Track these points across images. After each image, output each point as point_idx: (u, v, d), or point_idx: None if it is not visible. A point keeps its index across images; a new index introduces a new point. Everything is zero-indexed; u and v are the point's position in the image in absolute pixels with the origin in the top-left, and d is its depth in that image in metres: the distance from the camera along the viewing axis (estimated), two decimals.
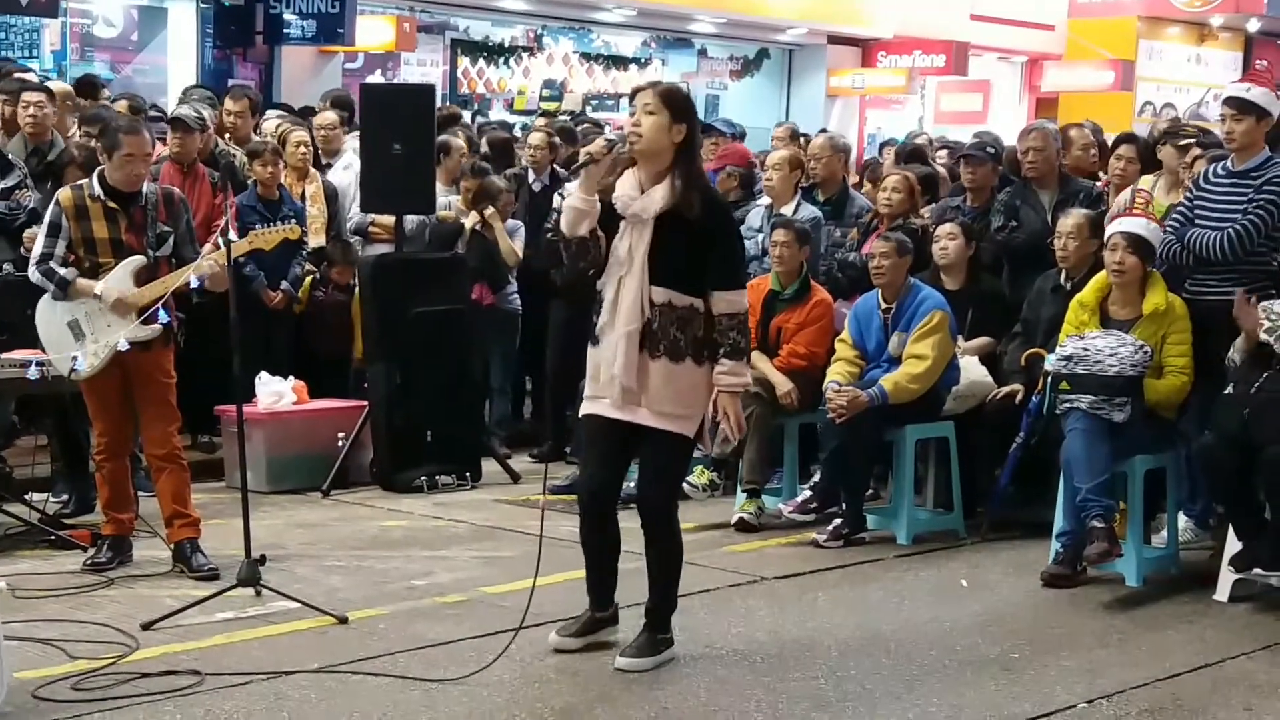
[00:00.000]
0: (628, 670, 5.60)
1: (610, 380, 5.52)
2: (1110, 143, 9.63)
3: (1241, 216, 7.24)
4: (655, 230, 5.47)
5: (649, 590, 5.79)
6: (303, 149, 10.27)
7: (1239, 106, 7.30)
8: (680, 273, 5.49)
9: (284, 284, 9.55)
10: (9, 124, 9.17)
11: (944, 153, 11.28)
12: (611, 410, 5.57)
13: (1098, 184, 9.21)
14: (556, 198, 8.23)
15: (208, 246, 6.85)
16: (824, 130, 12.71)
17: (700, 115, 20.30)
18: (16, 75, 10.35)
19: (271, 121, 11.24)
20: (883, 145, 15.28)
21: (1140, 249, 7.23)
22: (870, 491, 8.32)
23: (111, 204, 6.79)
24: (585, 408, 5.69)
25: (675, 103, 5.48)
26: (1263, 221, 7.21)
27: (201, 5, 16.96)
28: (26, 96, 9.16)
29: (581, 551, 5.87)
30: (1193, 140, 8.66)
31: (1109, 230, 7.43)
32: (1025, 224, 8.61)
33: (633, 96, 5.67)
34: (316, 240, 10.02)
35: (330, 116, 10.92)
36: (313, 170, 10.38)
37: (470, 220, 9.80)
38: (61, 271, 6.77)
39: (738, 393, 5.58)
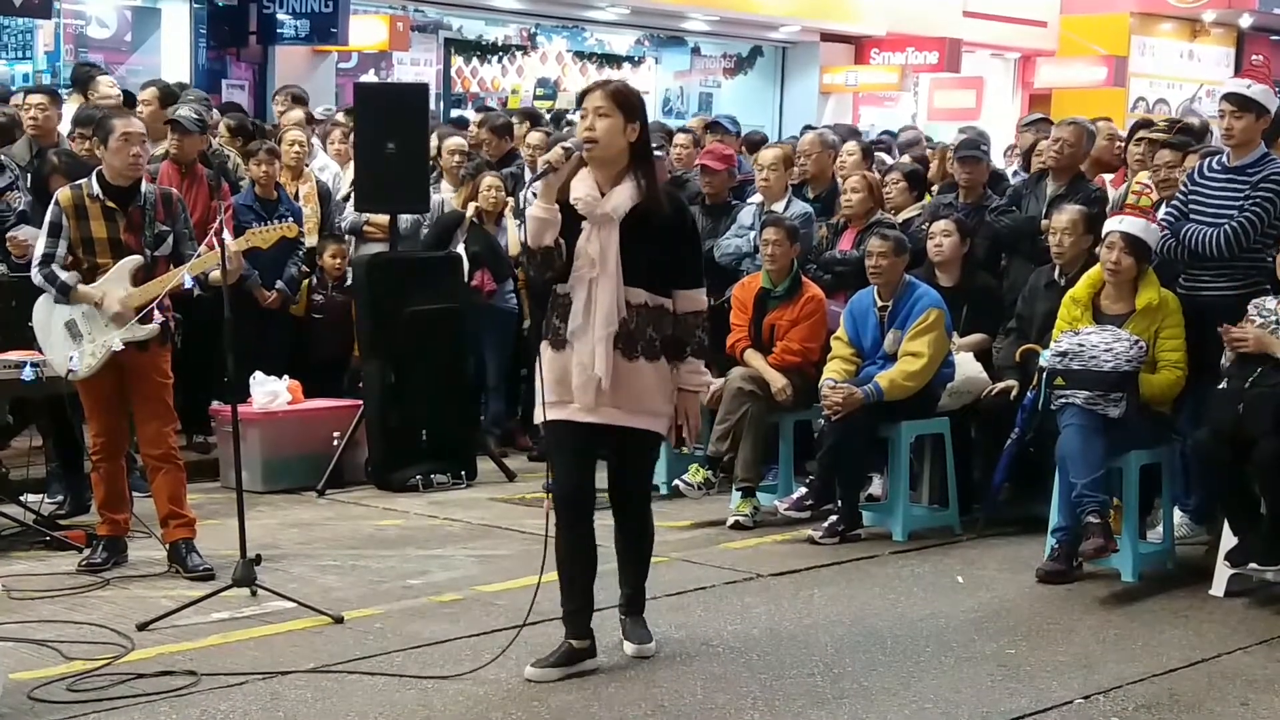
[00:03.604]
0: (645, 656, 5.73)
1: (586, 383, 5.39)
2: (1128, 130, 9.78)
3: (1238, 213, 7.24)
4: (621, 230, 5.39)
5: (627, 579, 5.83)
6: (297, 148, 10.26)
7: (1239, 103, 7.30)
8: (652, 272, 5.46)
9: (279, 283, 9.56)
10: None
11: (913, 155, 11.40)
12: (580, 415, 5.45)
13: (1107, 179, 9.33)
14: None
15: (203, 246, 6.84)
16: (810, 127, 12.71)
17: (695, 113, 20.33)
18: (100, 79, 10.42)
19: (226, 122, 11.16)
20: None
21: (1137, 249, 7.23)
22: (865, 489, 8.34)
23: (110, 203, 6.79)
24: (550, 413, 5.50)
25: (627, 103, 5.41)
26: (1259, 219, 7.21)
27: (195, 5, 16.93)
28: (30, 100, 9.19)
29: (558, 569, 5.65)
30: (1167, 138, 8.72)
31: (1106, 228, 7.43)
32: (1023, 212, 8.68)
33: (581, 99, 5.57)
34: (311, 240, 10.02)
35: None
36: (307, 169, 10.37)
37: (470, 210, 9.87)
38: (64, 276, 6.77)
39: (698, 392, 5.67)
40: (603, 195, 5.42)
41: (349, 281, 9.91)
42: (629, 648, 5.78)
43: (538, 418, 5.60)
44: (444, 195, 10.32)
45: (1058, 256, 7.89)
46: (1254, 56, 25.13)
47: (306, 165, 10.42)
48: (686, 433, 5.64)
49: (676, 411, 5.60)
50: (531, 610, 5.69)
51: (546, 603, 5.77)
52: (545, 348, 5.54)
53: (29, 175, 8.69)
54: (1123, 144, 9.99)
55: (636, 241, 5.39)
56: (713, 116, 13.22)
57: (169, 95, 10.23)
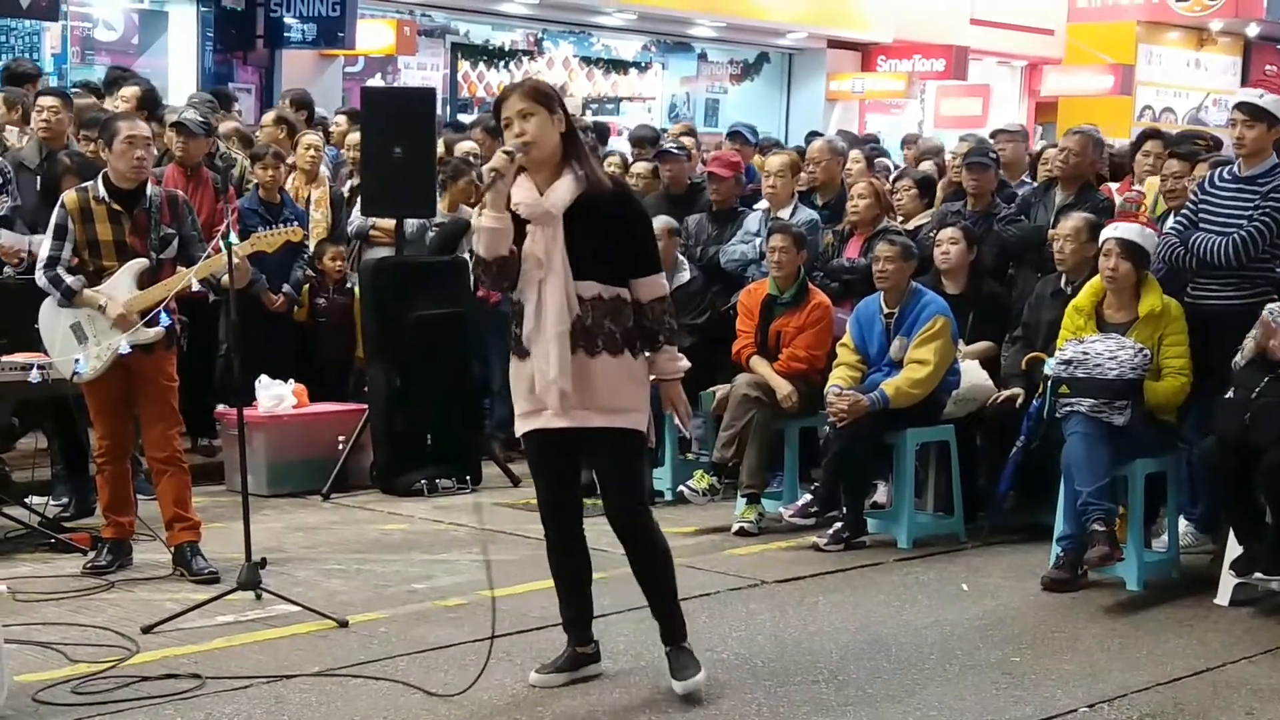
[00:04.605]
0: (692, 693, 5.36)
1: (547, 388, 5.20)
2: (1135, 139, 9.81)
3: (1247, 223, 7.23)
4: (566, 225, 5.19)
5: (651, 604, 5.51)
6: (313, 152, 10.30)
7: (1251, 112, 7.29)
8: (602, 263, 5.22)
9: (285, 287, 9.57)
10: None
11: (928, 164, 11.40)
12: (554, 421, 5.25)
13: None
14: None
15: (209, 249, 6.84)
16: (817, 133, 12.73)
17: (699, 120, 20.27)
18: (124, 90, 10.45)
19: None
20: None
21: (1133, 255, 7.23)
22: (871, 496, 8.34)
23: (116, 206, 6.79)
24: (523, 425, 5.36)
25: (545, 95, 5.22)
26: (1268, 228, 7.20)
27: (202, 9, 16.97)
28: (42, 102, 9.20)
29: (553, 579, 5.60)
30: (1201, 147, 8.73)
31: (1102, 235, 7.43)
32: (1031, 221, 8.70)
33: (497, 112, 5.30)
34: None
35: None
36: (321, 174, 10.39)
37: (474, 218, 9.84)
38: (68, 280, 6.77)
39: (680, 379, 5.38)
40: (542, 195, 5.25)
41: (349, 283, 9.93)
42: (675, 685, 5.40)
43: (517, 430, 5.47)
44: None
45: (1060, 264, 7.90)
46: (1267, 67, 25.14)
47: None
48: (680, 421, 5.44)
49: (661, 403, 5.43)
50: (495, 623, 5.61)
51: (552, 607, 5.77)
52: (513, 358, 5.37)
53: (38, 177, 8.69)
54: (1110, 152, 10.00)
55: (583, 233, 5.19)
56: (733, 126, 13.13)
57: (150, 98, 10.22)
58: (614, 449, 5.33)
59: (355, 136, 10.73)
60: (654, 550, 5.46)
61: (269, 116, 11.38)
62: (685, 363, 5.42)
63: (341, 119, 12.11)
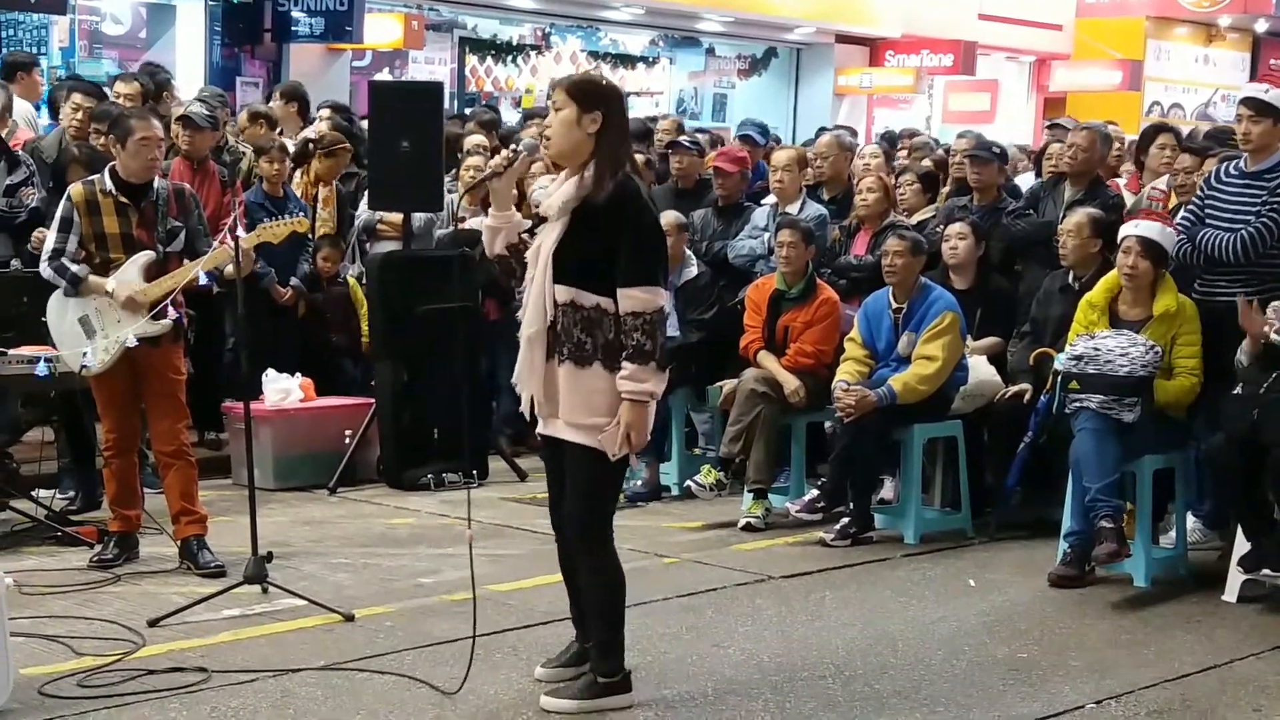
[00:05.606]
0: (548, 709, 5.17)
1: (525, 391, 5.17)
2: (1141, 135, 9.78)
3: (1255, 219, 7.21)
4: (570, 227, 4.99)
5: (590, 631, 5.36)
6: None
7: (1257, 108, 7.27)
8: (587, 270, 4.96)
9: (294, 280, 9.56)
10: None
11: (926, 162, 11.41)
12: (540, 425, 5.20)
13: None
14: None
15: (215, 242, 6.84)
16: (824, 128, 12.69)
17: (707, 115, 20.11)
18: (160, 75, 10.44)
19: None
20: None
21: (1153, 253, 7.20)
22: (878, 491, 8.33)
23: (123, 199, 6.79)
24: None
25: (584, 92, 4.99)
26: (1276, 224, 7.17)
27: (210, 3, 16.99)
28: (76, 99, 9.20)
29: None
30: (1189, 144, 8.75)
31: (1123, 232, 7.40)
32: (1040, 216, 8.69)
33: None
34: None
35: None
36: None
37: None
38: (74, 268, 6.77)
39: (642, 402, 4.96)
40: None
41: (341, 275, 9.94)
42: (543, 697, 5.24)
43: None
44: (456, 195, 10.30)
45: (1063, 258, 7.89)
46: (1272, 61, 25.10)
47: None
48: (609, 439, 4.96)
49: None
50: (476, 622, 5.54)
51: (558, 602, 5.76)
52: None
53: (51, 169, 8.68)
54: (1124, 148, 10.00)
55: (579, 238, 4.98)
56: (742, 126, 13.02)
57: (149, 94, 10.20)
58: (573, 464, 5.11)
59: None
60: (596, 573, 5.22)
61: (243, 116, 11.14)
62: (648, 386, 4.96)
63: (325, 112, 12.06)
